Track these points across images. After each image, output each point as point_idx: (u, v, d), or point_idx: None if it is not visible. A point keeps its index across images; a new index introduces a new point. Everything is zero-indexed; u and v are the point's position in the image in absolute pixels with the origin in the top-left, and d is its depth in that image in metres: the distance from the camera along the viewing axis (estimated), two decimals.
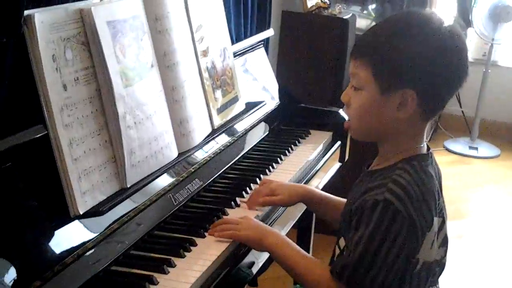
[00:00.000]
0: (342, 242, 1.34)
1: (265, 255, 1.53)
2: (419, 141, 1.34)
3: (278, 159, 1.94)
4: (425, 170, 1.30)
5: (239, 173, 1.83)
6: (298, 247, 1.40)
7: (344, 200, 1.46)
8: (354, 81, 1.31)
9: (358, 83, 1.30)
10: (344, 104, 1.36)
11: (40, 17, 1.21)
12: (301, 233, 2.36)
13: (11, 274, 1.09)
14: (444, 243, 1.37)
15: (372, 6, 3.64)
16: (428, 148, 1.36)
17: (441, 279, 1.40)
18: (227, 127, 1.87)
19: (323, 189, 2.05)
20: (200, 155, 1.70)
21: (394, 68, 1.26)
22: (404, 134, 1.32)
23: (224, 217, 1.53)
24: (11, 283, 1.08)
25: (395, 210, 1.23)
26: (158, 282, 1.25)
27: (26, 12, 1.19)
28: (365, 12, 3.59)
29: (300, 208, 1.79)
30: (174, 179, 1.55)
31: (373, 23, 3.43)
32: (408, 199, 1.24)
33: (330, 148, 2.15)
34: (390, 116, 1.29)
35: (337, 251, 1.36)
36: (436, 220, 1.29)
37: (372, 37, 1.32)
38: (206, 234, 1.45)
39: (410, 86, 1.26)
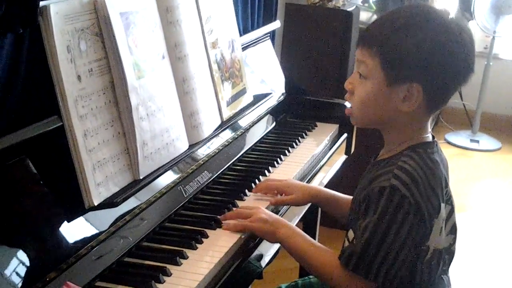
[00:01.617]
0: (351, 234, 1.34)
1: (273, 249, 1.53)
2: (423, 132, 1.35)
3: (286, 151, 1.94)
4: (430, 157, 1.31)
5: (248, 165, 1.83)
6: (310, 238, 1.41)
7: (351, 197, 1.46)
8: (361, 68, 1.32)
9: (365, 72, 1.31)
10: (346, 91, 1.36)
11: (55, 8, 1.21)
12: (307, 226, 2.36)
13: (26, 266, 1.09)
14: (453, 231, 1.38)
15: None
16: (433, 137, 1.37)
17: None
18: (235, 119, 1.86)
19: (330, 181, 2.06)
20: (209, 147, 1.70)
21: (403, 61, 1.26)
22: (406, 126, 1.33)
23: (235, 209, 1.53)
24: (26, 274, 1.08)
25: (402, 196, 1.23)
26: (171, 274, 1.25)
27: (41, 3, 1.19)
28: (366, 4, 3.58)
29: None
30: (184, 171, 1.55)
31: (374, 16, 3.43)
32: (414, 185, 1.24)
33: (337, 141, 2.15)
34: (393, 107, 1.30)
35: (346, 244, 1.36)
36: (444, 207, 1.30)
37: (381, 28, 1.31)
38: (217, 226, 1.45)
39: (418, 80, 1.26)
